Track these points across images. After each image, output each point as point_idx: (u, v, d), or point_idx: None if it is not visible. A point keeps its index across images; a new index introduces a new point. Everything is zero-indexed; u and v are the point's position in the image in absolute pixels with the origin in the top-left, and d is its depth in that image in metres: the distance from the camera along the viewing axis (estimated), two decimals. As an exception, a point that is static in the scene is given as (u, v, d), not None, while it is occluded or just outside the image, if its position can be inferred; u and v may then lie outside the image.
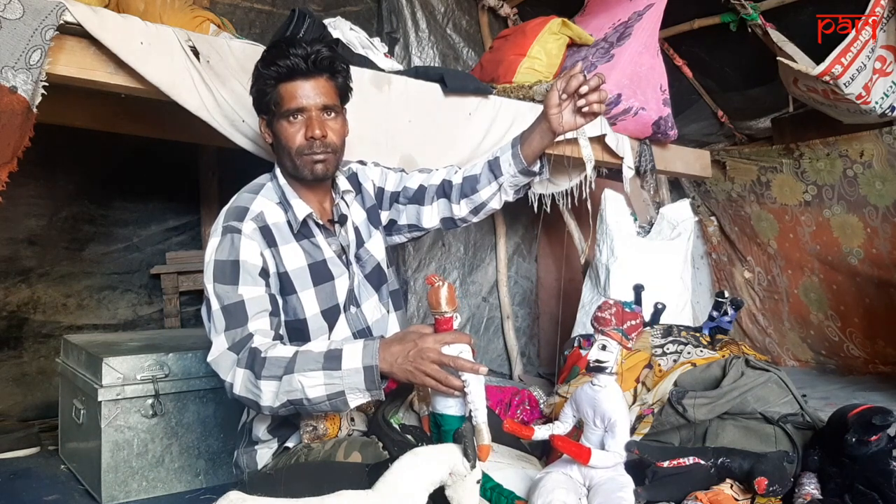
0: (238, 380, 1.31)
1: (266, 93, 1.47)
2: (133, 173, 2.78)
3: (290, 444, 1.47)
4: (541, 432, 1.39)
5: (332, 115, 1.49)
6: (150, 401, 1.85)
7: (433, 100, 2.25)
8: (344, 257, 1.56)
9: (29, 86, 1.46)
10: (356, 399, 1.28)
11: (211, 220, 2.90)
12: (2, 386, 2.52)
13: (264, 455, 1.48)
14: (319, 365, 1.26)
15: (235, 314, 1.36)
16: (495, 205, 1.68)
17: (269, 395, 1.28)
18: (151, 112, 2.34)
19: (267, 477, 1.39)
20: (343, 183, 1.62)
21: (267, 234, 1.45)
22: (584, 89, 1.44)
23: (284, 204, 1.51)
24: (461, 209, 1.67)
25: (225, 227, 1.43)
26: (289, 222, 1.50)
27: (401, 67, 2.39)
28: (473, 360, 1.23)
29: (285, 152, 1.49)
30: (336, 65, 1.49)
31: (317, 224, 1.54)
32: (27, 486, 1.92)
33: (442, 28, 3.48)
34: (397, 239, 1.75)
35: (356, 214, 1.64)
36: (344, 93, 1.54)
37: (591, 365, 1.33)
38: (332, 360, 1.26)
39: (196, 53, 1.74)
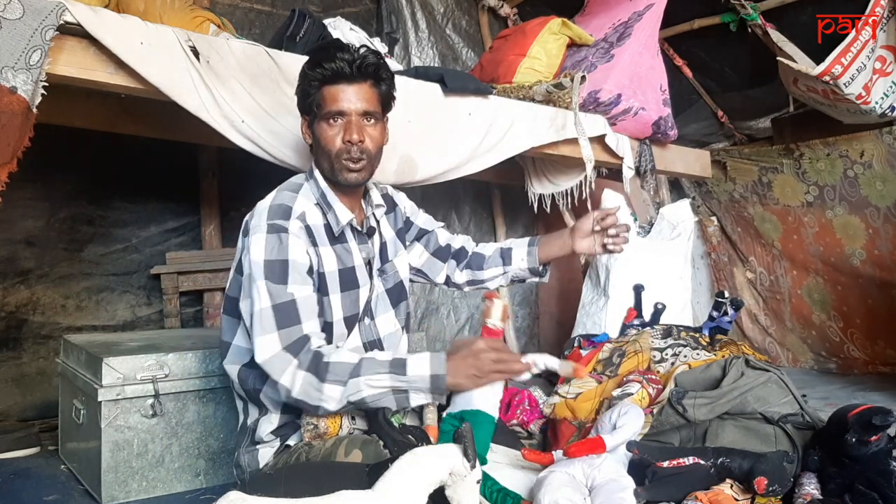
0: (298, 383, 1.32)
1: (309, 94, 1.48)
2: (132, 173, 2.77)
3: (291, 442, 1.47)
4: (558, 454, 1.44)
5: (372, 121, 1.50)
6: (150, 401, 1.85)
7: (433, 100, 2.24)
8: (368, 267, 1.58)
9: (29, 86, 1.46)
10: (419, 398, 1.35)
11: (211, 222, 2.92)
12: (1, 387, 2.52)
13: (266, 454, 1.48)
14: (386, 369, 1.32)
15: (288, 313, 1.36)
16: (490, 285, 1.84)
17: (333, 398, 1.32)
18: (151, 112, 2.34)
19: (267, 477, 1.39)
20: (376, 197, 1.64)
21: (310, 233, 1.46)
22: (612, 231, 1.69)
23: (323, 206, 1.52)
24: (461, 277, 1.83)
25: (270, 224, 1.42)
26: (326, 225, 1.50)
27: (401, 67, 2.40)
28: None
29: (324, 154, 1.50)
30: (381, 72, 1.50)
31: (353, 230, 1.55)
32: (27, 486, 1.92)
33: (441, 28, 3.48)
34: None
35: (385, 230, 1.67)
36: (387, 101, 1.55)
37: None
38: (398, 366, 1.33)
39: (196, 53, 1.74)
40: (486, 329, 1.43)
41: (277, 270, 1.38)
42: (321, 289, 1.47)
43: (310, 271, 1.43)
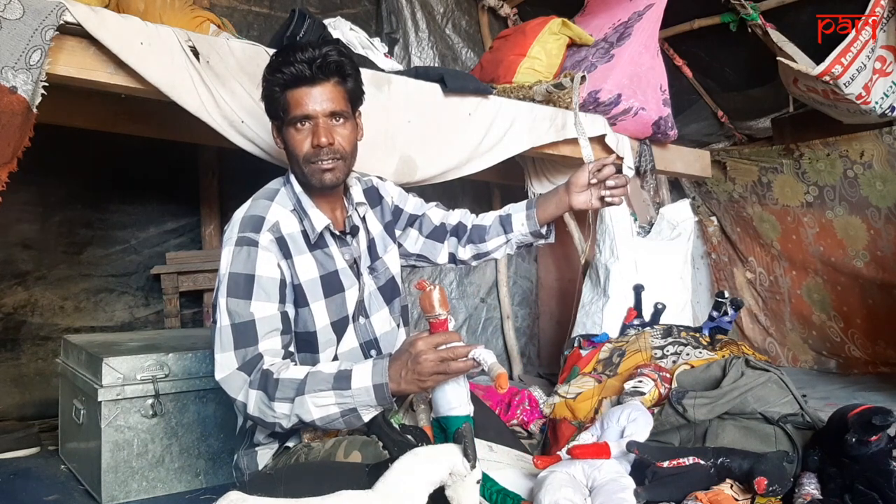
0: (251, 400, 1.32)
1: (274, 99, 1.45)
2: (132, 174, 2.77)
3: (290, 443, 1.47)
4: (563, 452, 1.43)
5: (341, 120, 1.46)
6: (150, 401, 1.85)
7: (433, 100, 2.24)
8: (355, 268, 1.55)
9: (29, 86, 1.46)
10: (369, 413, 1.30)
11: (211, 222, 2.92)
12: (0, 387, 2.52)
13: (265, 456, 1.48)
14: (329, 385, 1.28)
15: (245, 333, 1.35)
16: (497, 255, 1.78)
17: (283, 415, 1.30)
18: (151, 112, 2.34)
19: (267, 477, 1.39)
20: (357, 194, 1.60)
21: (283, 245, 1.44)
22: (610, 182, 1.60)
23: (300, 212, 1.49)
24: (465, 252, 1.77)
25: (241, 237, 1.41)
26: (304, 232, 1.48)
27: (401, 67, 2.39)
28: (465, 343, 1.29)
29: (294, 160, 1.47)
30: (345, 68, 1.45)
31: (332, 234, 1.52)
32: (27, 486, 1.92)
33: (441, 28, 3.49)
34: (401, 262, 1.76)
35: (373, 226, 1.63)
36: (355, 96, 1.50)
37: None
38: (342, 380, 1.29)
39: (196, 54, 1.74)
40: (433, 325, 1.32)
41: (242, 285, 1.37)
42: (299, 301, 1.45)
43: (282, 286, 1.40)
